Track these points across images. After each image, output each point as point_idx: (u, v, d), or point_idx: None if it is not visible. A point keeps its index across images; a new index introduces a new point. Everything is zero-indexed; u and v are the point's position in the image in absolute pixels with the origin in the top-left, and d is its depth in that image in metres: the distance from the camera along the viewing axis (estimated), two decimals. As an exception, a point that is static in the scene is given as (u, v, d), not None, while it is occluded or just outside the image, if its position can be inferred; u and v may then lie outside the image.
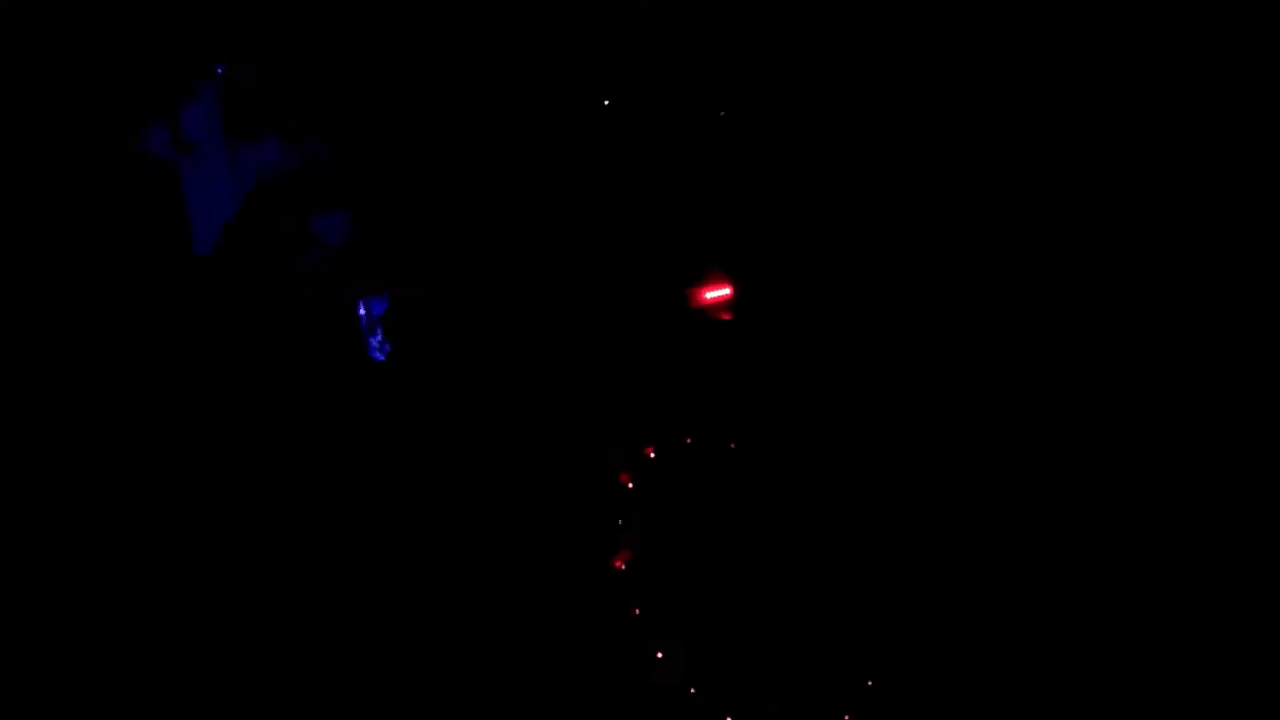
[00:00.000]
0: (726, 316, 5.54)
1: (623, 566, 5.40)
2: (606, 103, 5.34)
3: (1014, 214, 4.85)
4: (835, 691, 4.85)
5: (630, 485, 5.52)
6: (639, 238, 5.57)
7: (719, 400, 5.39)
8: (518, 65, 5.37)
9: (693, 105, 5.27)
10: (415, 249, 5.40)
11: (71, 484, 4.78)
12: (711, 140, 5.26)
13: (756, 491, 5.22)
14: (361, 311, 5.30)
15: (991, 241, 4.84)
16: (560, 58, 5.35)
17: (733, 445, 5.28)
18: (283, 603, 4.91)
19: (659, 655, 5.07)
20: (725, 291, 5.47)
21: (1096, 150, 4.75)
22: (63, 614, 4.62)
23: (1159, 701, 4.46)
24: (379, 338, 5.34)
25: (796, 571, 5.12)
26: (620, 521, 5.56)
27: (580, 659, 5.03)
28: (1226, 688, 4.38)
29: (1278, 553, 4.41)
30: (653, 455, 5.51)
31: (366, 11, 5.14)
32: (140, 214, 4.96)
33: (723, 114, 5.18)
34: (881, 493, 5.05)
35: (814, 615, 5.03)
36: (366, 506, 5.25)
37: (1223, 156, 4.57)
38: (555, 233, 5.58)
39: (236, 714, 4.67)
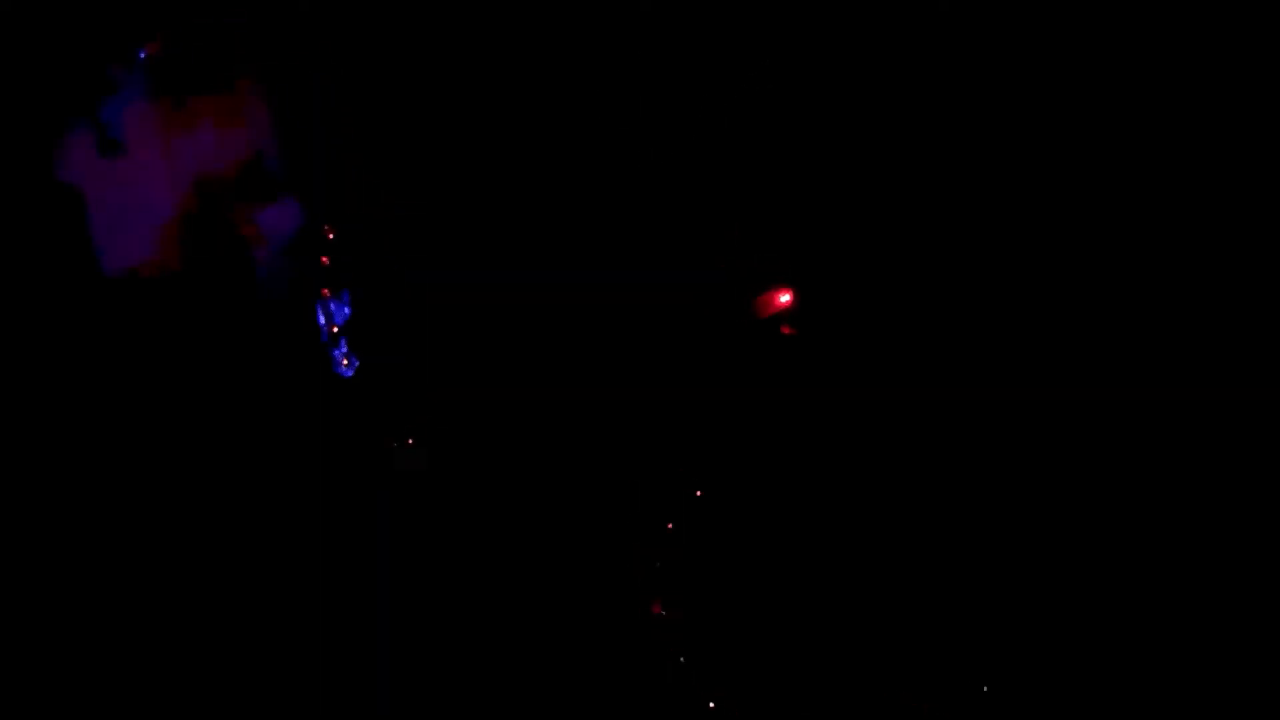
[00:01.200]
0: (787, 330, 4.71)
1: (660, 612, 4.64)
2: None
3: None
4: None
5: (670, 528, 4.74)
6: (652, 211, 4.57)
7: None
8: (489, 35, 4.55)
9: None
10: (387, 240, 4.60)
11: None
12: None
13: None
14: (321, 320, 4.53)
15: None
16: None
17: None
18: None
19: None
20: (784, 299, 4.71)
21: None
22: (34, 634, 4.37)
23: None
24: (343, 349, 4.56)
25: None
26: (658, 564, 4.59)
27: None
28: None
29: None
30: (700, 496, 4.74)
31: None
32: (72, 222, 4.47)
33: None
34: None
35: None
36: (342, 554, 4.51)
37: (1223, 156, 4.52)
38: (558, 214, 4.64)
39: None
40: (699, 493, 4.62)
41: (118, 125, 4.44)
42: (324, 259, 4.53)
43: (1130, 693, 4.37)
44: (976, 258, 4.59)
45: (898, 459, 4.61)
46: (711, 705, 4.51)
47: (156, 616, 4.37)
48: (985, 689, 4.41)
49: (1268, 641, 4.32)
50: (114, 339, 4.47)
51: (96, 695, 4.33)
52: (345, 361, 4.54)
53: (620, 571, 4.62)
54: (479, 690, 4.48)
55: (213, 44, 4.49)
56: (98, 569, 4.38)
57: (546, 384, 4.64)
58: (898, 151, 4.61)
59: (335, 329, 4.54)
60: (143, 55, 4.46)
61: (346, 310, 4.56)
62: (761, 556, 4.62)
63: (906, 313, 4.60)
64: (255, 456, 4.49)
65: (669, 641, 4.57)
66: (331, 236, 4.53)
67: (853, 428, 4.63)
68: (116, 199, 4.44)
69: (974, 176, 4.57)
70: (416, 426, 4.57)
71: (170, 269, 4.47)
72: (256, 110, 4.53)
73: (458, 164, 4.63)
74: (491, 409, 4.64)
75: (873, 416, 4.62)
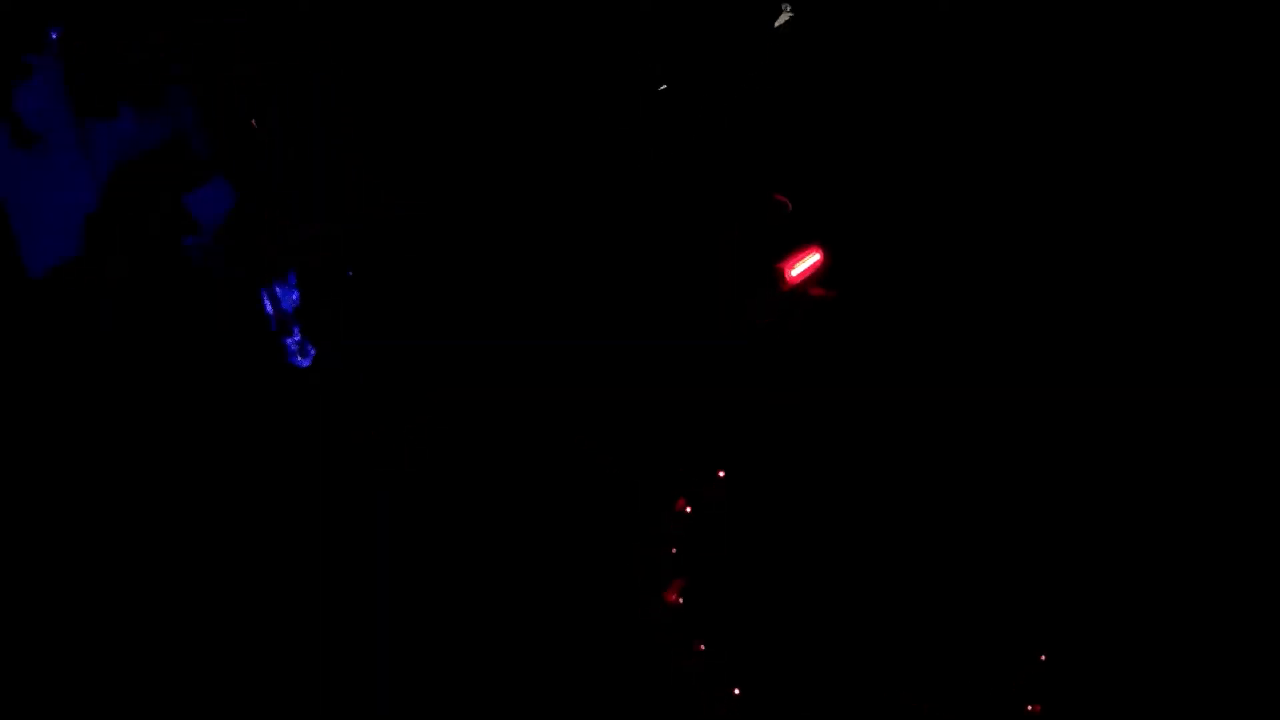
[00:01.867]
0: (819, 292, 4.46)
1: (677, 599, 4.28)
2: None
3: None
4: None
5: (688, 510, 4.37)
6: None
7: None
8: None
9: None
10: (331, 215, 4.17)
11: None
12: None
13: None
14: (269, 308, 4.09)
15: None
16: None
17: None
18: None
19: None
20: (814, 259, 4.47)
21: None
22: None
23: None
24: (297, 337, 4.10)
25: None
26: (674, 550, 4.13)
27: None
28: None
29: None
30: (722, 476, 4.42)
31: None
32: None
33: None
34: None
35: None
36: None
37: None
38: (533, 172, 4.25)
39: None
40: (711, 483, 4.31)
41: (33, 115, 4.08)
42: (263, 241, 4.11)
43: (1132, 693, 4.28)
44: (982, 258, 4.47)
45: (901, 460, 4.42)
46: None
47: (156, 617, 4.08)
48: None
49: (1268, 642, 4.22)
50: (47, 344, 4.07)
51: (95, 697, 4.03)
52: (298, 350, 4.10)
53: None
54: (479, 690, 4.16)
55: (124, 25, 4.13)
56: (95, 571, 4.07)
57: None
58: (900, 155, 4.50)
59: (284, 316, 4.10)
60: (54, 37, 4.10)
61: (294, 295, 4.12)
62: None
63: (919, 312, 4.46)
64: (215, 456, 4.07)
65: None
66: (268, 217, 4.11)
67: (856, 428, 4.42)
68: (35, 195, 4.06)
69: (979, 178, 4.47)
70: (411, 425, 4.18)
71: (99, 265, 4.08)
72: (177, 93, 4.16)
73: (459, 163, 4.31)
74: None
75: (874, 417, 4.43)
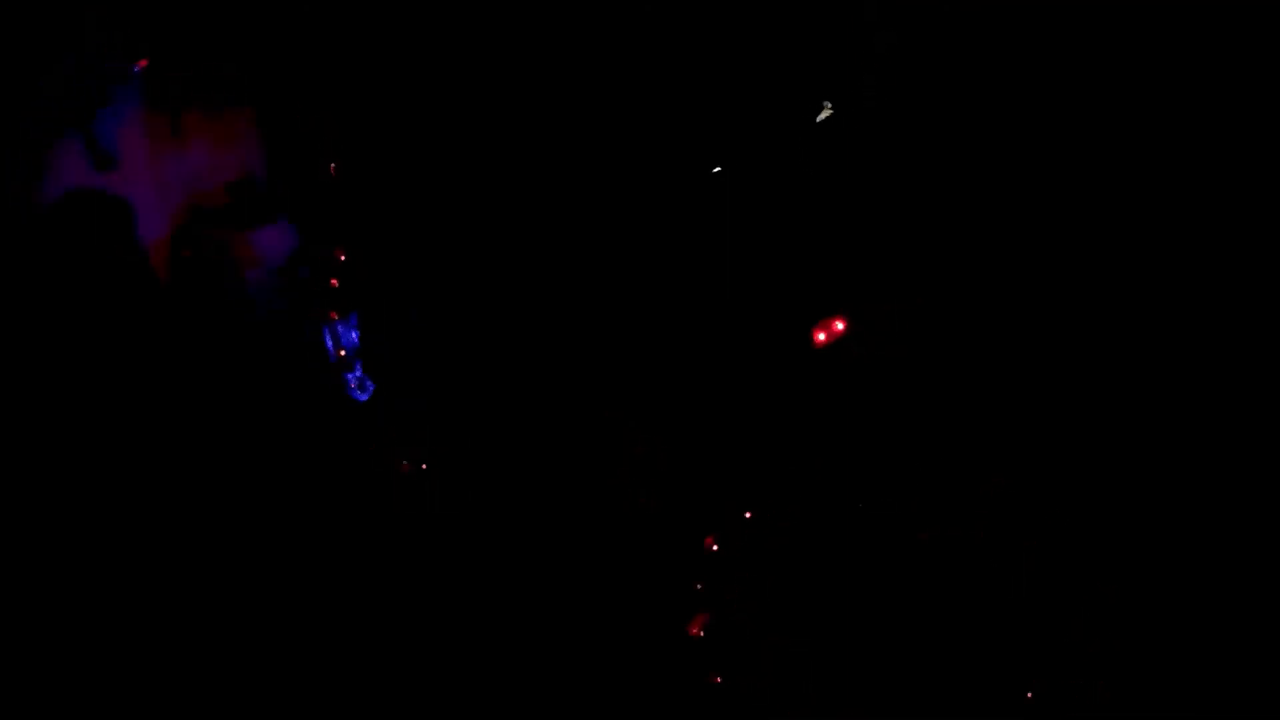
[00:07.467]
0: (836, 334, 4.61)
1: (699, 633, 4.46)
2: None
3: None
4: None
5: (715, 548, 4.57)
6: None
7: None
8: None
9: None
10: (394, 259, 4.39)
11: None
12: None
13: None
14: (329, 343, 4.26)
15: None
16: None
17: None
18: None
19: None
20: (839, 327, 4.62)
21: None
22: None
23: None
24: (358, 374, 4.28)
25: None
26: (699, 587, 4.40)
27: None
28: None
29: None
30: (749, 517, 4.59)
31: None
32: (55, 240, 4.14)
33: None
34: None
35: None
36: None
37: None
38: (591, 229, 4.54)
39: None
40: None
41: (110, 139, 4.18)
42: (333, 281, 4.28)
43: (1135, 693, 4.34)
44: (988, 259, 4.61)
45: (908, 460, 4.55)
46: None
47: (156, 617, 4.11)
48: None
49: (1268, 642, 4.29)
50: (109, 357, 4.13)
51: (94, 699, 4.03)
52: (358, 386, 4.27)
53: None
54: (480, 690, 4.29)
55: (207, 64, 4.30)
56: (97, 572, 4.09)
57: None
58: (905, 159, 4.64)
59: (343, 353, 4.27)
60: (136, 70, 4.23)
61: (354, 335, 4.31)
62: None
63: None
64: (250, 472, 4.20)
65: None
66: (342, 259, 4.30)
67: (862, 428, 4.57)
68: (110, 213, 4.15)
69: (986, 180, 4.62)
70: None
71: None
72: (248, 132, 4.33)
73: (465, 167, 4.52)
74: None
75: (878, 416, 4.58)
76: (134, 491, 4.12)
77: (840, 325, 4.54)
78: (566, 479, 4.45)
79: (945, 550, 4.44)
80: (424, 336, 4.38)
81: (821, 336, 4.55)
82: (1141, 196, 4.52)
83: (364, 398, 4.28)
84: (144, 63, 4.22)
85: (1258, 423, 4.40)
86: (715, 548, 4.45)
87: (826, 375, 4.54)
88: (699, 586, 4.42)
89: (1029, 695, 4.31)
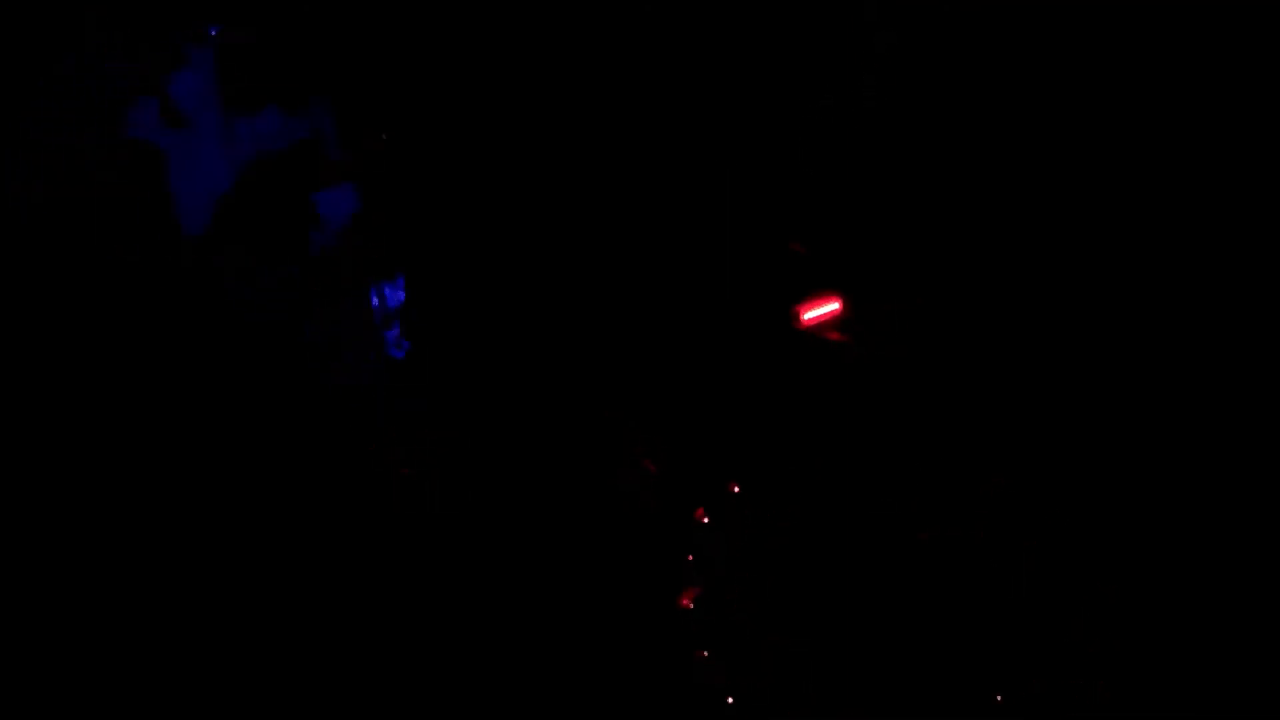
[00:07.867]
0: (835, 336, 4.73)
1: (690, 604, 4.64)
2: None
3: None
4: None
5: (705, 520, 4.77)
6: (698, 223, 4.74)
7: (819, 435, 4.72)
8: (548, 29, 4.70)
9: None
10: (439, 231, 4.70)
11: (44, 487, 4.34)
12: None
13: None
14: (375, 302, 4.61)
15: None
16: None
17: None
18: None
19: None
20: (833, 308, 4.70)
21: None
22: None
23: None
24: (396, 333, 4.63)
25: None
26: (690, 557, 4.68)
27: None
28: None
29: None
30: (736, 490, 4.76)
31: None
32: (127, 196, 4.47)
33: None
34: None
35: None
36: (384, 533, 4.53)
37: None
38: (612, 214, 4.79)
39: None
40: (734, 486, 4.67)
41: (184, 99, 4.49)
42: (382, 244, 4.61)
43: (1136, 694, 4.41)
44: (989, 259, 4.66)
45: (908, 461, 4.66)
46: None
47: (156, 618, 4.32)
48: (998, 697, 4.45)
49: (1268, 643, 4.34)
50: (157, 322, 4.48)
51: (93, 700, 4.26)
52: (396, 344, 4.62)
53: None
54: (479, 690, 4.46)
55: (279, 31, 4.57)
56: (101, 567, 4.33)
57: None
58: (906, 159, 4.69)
59: (388, 312, 4.61)
60: (214, 33, 4.52)
61: (400, 295, 4.64)
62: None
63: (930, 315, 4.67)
64: (250, 472, 4.48)
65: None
66: (388, 223, 4.62)
67: (862, 428, 4.68)
68: (175, 174, 4.47)
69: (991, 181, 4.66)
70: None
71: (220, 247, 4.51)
72: (318, 97, 4.61)
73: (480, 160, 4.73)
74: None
75: (880, 416, 4.68)
76: (134, 490, 4.39)
77: (832, 306, 4.63)
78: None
79: (945, 550, 4.53)
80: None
81: (809, 315, 4.62)
82: (1141, 196, 4.58)
83: (400, 355, 4.62)
84: (221, 27, 4.51)
85: (1257, 424, 4.45)
86: (706, 520, 4.67)
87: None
88: (690, 558, 4.66)
89: (1029, 695, 4.39)
